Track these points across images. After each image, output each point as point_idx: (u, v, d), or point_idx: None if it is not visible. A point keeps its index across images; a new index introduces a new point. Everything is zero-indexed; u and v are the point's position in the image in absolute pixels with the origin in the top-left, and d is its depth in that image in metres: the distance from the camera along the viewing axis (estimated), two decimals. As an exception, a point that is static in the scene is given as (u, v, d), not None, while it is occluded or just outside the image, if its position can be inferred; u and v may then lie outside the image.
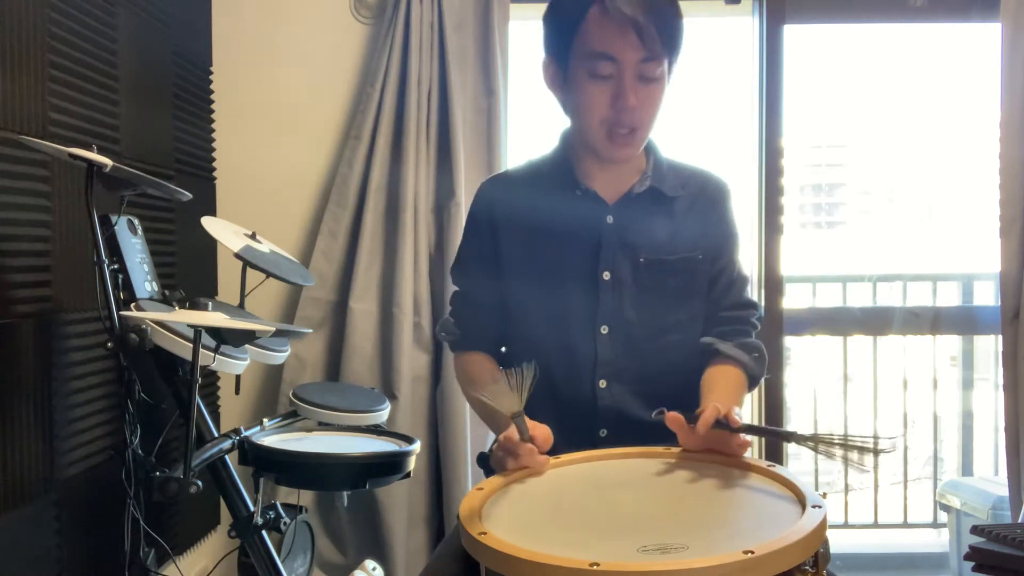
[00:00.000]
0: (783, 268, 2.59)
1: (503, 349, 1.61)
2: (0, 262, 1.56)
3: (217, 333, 1.44)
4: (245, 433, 1.75)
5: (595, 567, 0.87)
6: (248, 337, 1.53)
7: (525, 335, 1.54)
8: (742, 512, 1.09)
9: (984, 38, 2.61)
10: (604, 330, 1.49)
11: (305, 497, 2.43)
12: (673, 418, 1.25)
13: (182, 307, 1.72)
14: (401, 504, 2.45)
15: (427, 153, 2.47)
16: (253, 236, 1.91)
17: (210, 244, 2.37)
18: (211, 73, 2.52)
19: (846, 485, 3.38)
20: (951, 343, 3.54)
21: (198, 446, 1.63)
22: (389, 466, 1.78)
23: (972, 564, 1.70)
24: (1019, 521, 2.42)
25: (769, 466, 1.16)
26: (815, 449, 1.11)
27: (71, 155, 1.46)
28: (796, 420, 4.10)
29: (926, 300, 3.62)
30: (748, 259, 2.57)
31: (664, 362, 1.50)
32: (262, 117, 2.59)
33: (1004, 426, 2.51)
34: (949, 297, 3.60)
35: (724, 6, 2.62)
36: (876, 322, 3.01)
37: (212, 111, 2.52)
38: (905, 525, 3.38)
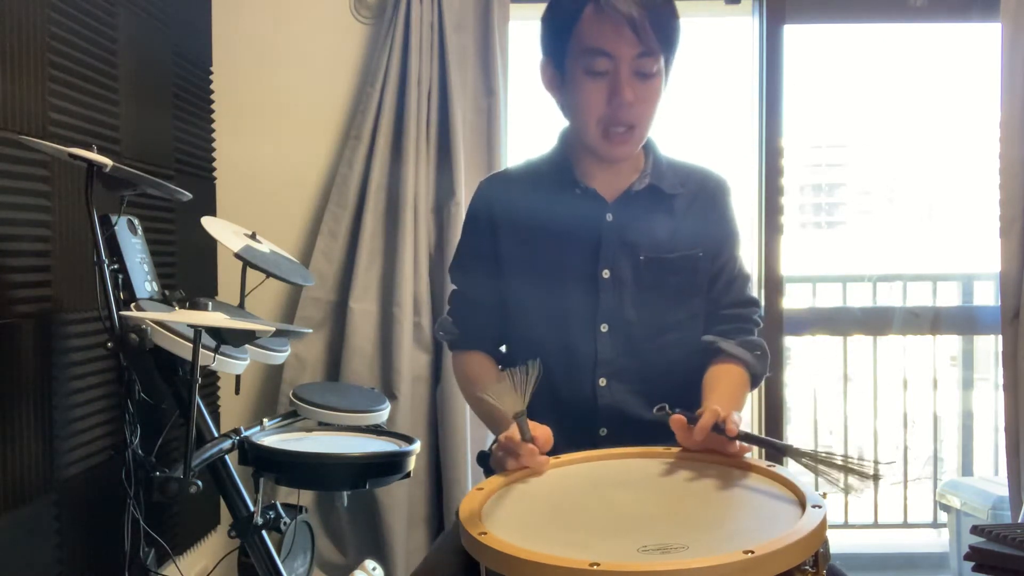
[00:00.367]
0: (783, 268, 2.60)
1: (502, 348, 1.61)
2: (0, 262, 1.56)
3: (217, 333, 1.44)
4: (245, 433, 1.75)
5: (595, 567, 0.86)
6: (248, 337, 1.53)
7: (524, 334, 1.54)
8: (742, 512, 1.09)
9: (984, 38, 2.61)
10: (604, 329, 1.49)
11: (305, 497, 2.43)
12: (675, 419, 1.25)
13: (182, 307, 1.72)
14: (401, 504, 2.45)
15: (427, 153, 2.47)
16: (253, 236, 1.91)
17: (210, 244, 2.37)
18: (211, 73, 2.52)
19: (846, 485, 3.37)
20: (951, 343, 3.54)
21: (198, 446, 1.62)
22: (389, 466, 1.78)
23: (972, 564, 1.70)
24: (1019, 521, 2.42)
25: (769, 466, 1.16)
26: (810, 467, 1.08)
27: (71, 155, 1.46)
28: (796, 420, 4.10)
29: (926, 300, 3.62)
30: (748, 259, 2.57)
31: (664, 361, 1.50)
32: (262, 117, 2.59)
33: (1004, 426, 2.51)
34: (949, 297, 3.60)
35: (724, 6, 2.62)
36: (876, 322, 3.01)
37: (212, 111, 2.52)
38: (905, 525, 3.38)
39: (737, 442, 1.19)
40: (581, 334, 1.49)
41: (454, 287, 1.64)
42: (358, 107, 2.50)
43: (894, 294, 3.74)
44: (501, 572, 0.94)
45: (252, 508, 1.77)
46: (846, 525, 3.34)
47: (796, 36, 2.65)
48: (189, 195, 1.74)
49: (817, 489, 1.05)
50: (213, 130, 2.52)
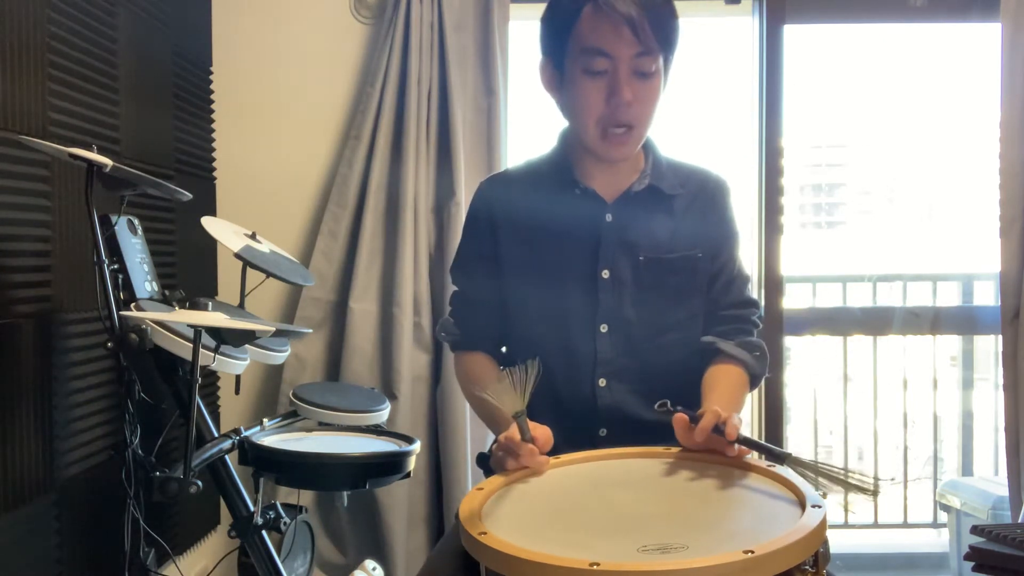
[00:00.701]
0: (783, 268, 2.60)
1: (503, 349, 1.61)
2: (0, 262, 1.56)
3: (217, 333, 1.44)
4: (245, 433, 1.75)
5: (595, 567, 0.87)
6: (248, 337, 1.53)
7: (524, 334, 1.54)
8: (742, 512, 1.09)
9: (984, 38, 2.61)
10: (604, 329, 1.49)
11: (305, 497, 2.43)
12: (678, 418, 1.26)
13: (182, 307, 1.72)
14: (401, 504, 2.45)
15: (427, 153, 2.47)
16: (253, 236, 1.91)
17: (210, 244, 2.37)
18: (211, 73, 2.52)
19: (846, 485, 3.37)
20: (951, 343, 3.54)
21: (198, 446, 1.62)
22: (389, 466, 1.78)
23: (972, 564, 1.70)
24: (1019, 521, 2.42)
25: (769, 466, 1.16)
26: (810, 479, 1.07)
27: (71, 155, 1.46)
28: (796, 420, 4.10)
29: (926, 300, 3.62)
30: (748, 259, 2.57)
31: (664, 361, 1.50)
32: (262, 117, 2.59)
33: (1004, 426, 2.51)
34: (949, 297, 3.60)
35: (724, 6, 2.62)
36: (876, 322, 3.01)
37: (212, 111, 2.52)
38: (905, 525, 3.38)
39: (736, 445, 1.19)
40: (581, 334, 1.49)
41: (455, 288, 1.65)
42: (358, 107, 2.50)
43: (894, 294, 3.74)
44: (501, 572, 0.94)
45: (252, 508, 1.77)
46: (846, 525, 3.33)
47: (796, 36, 2.65)
48: (189, 195, 1.74)
49: (817, 489, 1.05)
50: (213, 130, 2.52)
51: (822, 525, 0.97)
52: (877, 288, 3.61)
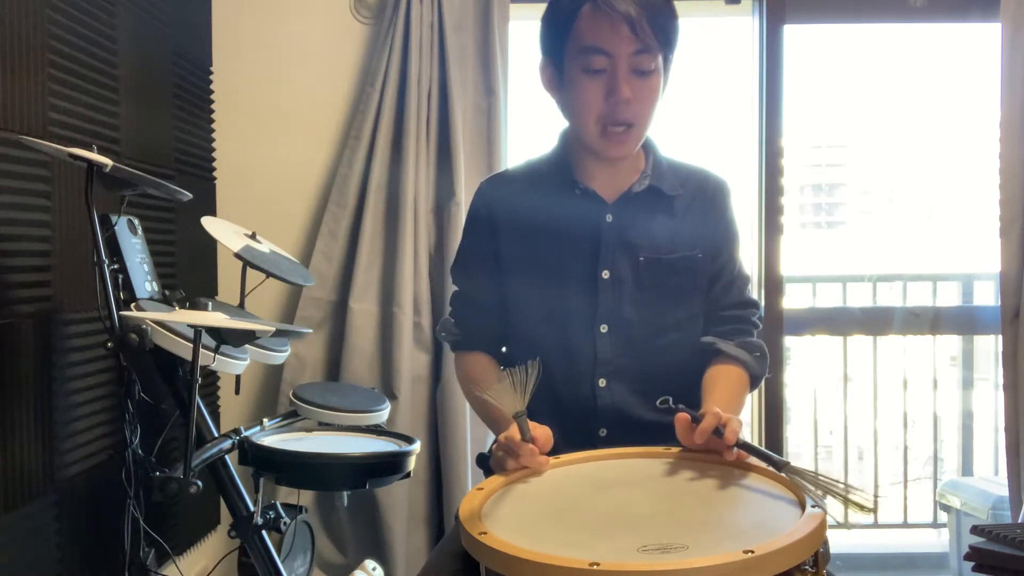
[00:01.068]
0: (783, 268, 2.60)
1: (503, 349, 1.61)
2: (0, 262, 1.56)
3: (217, 333, 1.44)
4: (245, 433, 1.75)
5: (595, 567, 0.87)
6: (248, 337, 1.53)
7: (525, 335, 1.54)
8: (742, 512, 1.09)
9: (984, 38, 2.61)
10: (604, 329, 1.49)
11: (305, 497, 2.43)
12: (680, 417, 1.26)
13: (182, 307, 1.72)
14: (401, 504, 2.45)
15: (427, 153, 2.47)
16: (253, 236, 1.91)
17: (210, 244, 2.37)
18: (211, 73, 2.52)
19: (846, 485, 3.38)
20: (951, 343, 3.54)
21: (198, 446, 1.62)
22: (389, 466, 1.78)
23: (972, 564, 1.70)
24: (1019, 521, 2.42)
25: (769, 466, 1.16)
26: (807, 491, 1.05)
27: (71, 155, 1.46)
28: (796, 420, 4.10)
29: (926, 300, 3.62)
30: (748, 259, 2.57)
31: (664, 361, 1.50)
32: (262, 117, 2.59)
33: (1004, 426, 2.51)
34: (949, 297, 3.60)
35: (724, 6, 2.62)
36: (876, 322, 3.01)
37: (212, 111, 2.52)
38: (905, 525, 3.38)
39: (735, 449, 1.19)
40: (581, 334, 1.49)
41: (455, 288, 1.65)
42: (358, 107, 2.50)
43: (894, 294, 3.73)
44: (501, 572, 0.94)
45: (252, 508, 1.76)
46: (846, 525, 3.33)
47: (796, 36, 2.65)
48: (189, 195, 1.74)
49: (812, 506, 1.03)
50: (213, 130, 2.52)
51: (822, 525, 0.97)
52: (877, 288, 3.61)
